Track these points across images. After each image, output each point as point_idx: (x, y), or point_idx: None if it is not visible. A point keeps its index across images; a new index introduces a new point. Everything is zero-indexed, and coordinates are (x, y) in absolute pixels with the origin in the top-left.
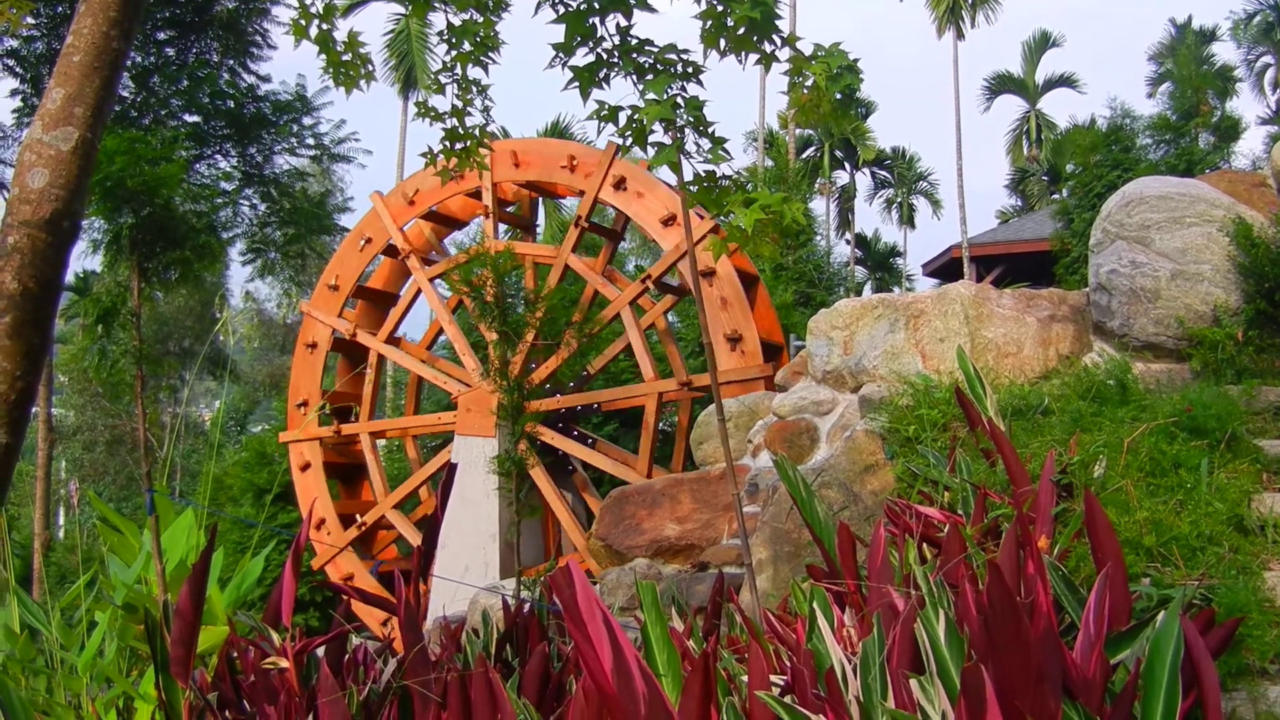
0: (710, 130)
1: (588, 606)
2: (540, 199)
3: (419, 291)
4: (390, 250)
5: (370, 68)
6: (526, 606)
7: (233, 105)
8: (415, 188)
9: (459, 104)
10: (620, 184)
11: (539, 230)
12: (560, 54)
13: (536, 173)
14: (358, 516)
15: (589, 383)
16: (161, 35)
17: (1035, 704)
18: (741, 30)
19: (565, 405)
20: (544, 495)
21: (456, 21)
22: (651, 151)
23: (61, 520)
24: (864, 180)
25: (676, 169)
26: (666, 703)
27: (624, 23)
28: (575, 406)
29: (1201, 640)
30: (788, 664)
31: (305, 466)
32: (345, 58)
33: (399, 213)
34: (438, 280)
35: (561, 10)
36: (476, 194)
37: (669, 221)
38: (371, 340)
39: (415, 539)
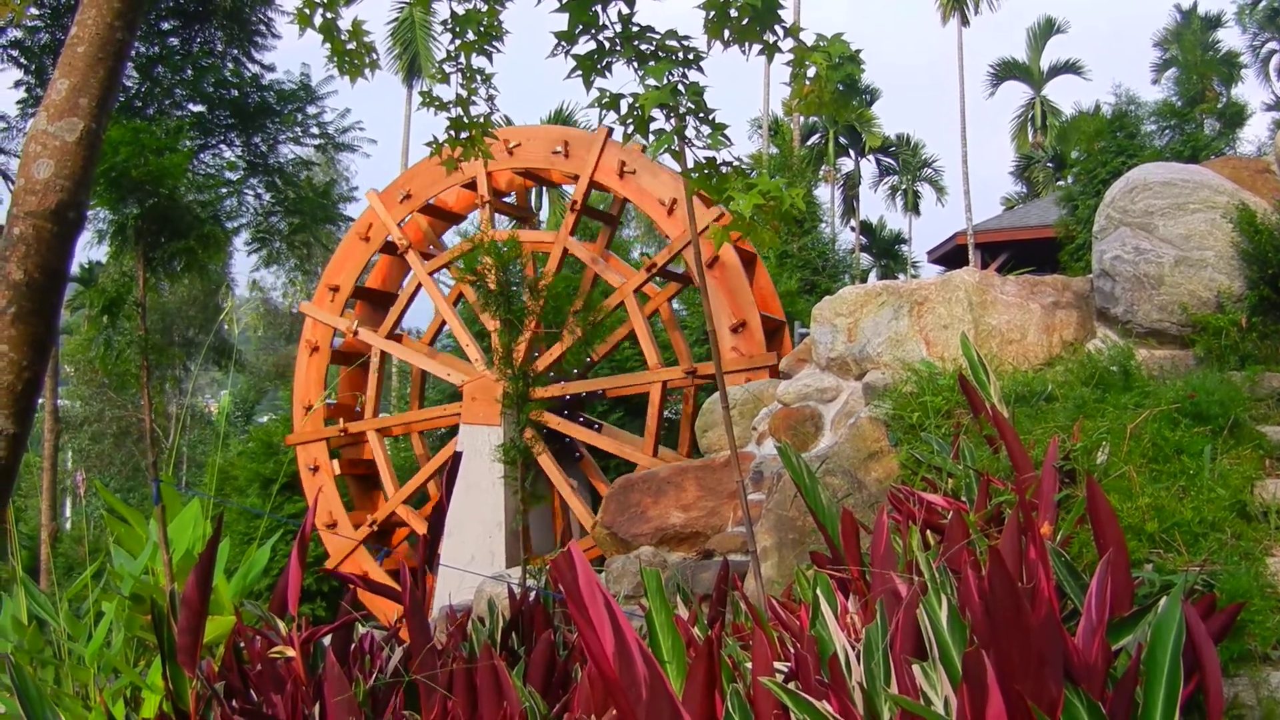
0: (710, 116)
1: (589, 591)
2: (541, 188)
3: (419, 287)
4: (389, 247)
5: (375, 56)
6: (532, 595)
7: (237, 95)
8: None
9: (463, 93)
10: (622, 170)
11: (542, 220)
12: (563, 43)
13: (532, 160)
14: (369, 517)
15: (593, 369)
16: (165, 25)
17: (1036, 689)
18: (745, 21)
19: (570, 392)
20: (552, 481)
21: (460, 10)
22: (653, 138)
23: (68, 511)
24: (869, 167)
25: (677, 155)
26: (668, 685)
27: (626, 10)
28: (580, 394)
29: (1203, 626)
30: (792, 650)
31: (315, 468)
32: (350, 46)
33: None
34: (437, 274)
35: None
36: (471, 185)
37: (672, 208)
38: (373, 337)
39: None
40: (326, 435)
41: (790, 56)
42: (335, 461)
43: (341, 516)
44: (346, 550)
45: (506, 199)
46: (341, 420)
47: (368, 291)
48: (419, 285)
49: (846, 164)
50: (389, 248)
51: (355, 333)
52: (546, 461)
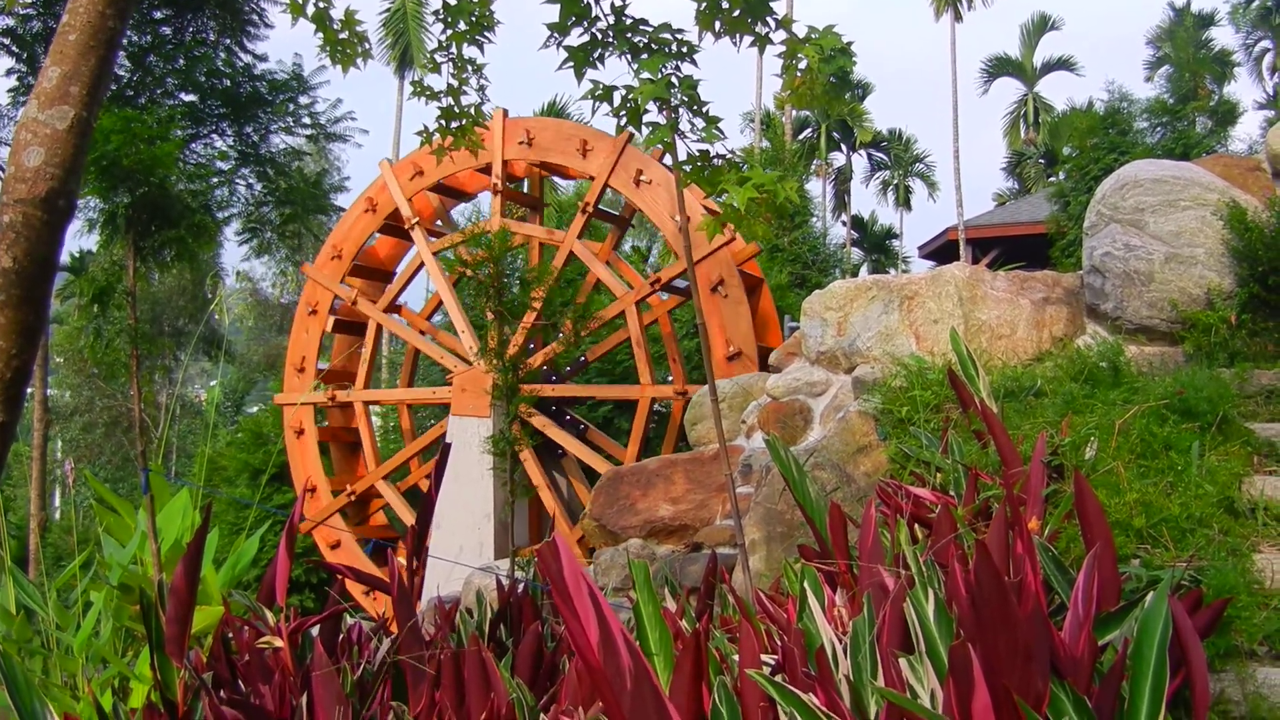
0: (704, 110)
1: (574, 581)
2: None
3: (421, 264)
4: (394, 225)
5: (367, 46)
6: (520, 586)
7: (229, 84)
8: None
9: (455, 83)
10: (638, 179)
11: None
12: (555, 34)
13: (549, 154)
14: (348, 486)
15: (585, 369)
16: (158, 14)
17: (1022, 683)
18: (736, 12)
19: (558, 395)
20: (532, 482)
21: (452, 0)
22: (646, 131)
23: (57, 500)
24: (860, 162)
25: (670, 148)
26: (652, 676)
27: (618, 2)
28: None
29: (1190, 621)
30: (779, 643)
31: (300, 431)
32: (342, 36)
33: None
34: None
35: None
36: (486, 169)
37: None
38: (371, 309)
39: (405, 510)
40: (315, 400)
41: (782, 49)
42: (320, 427)
43: (321, 483)
44: (323, 515)
45: (520, 187)
46: (331, 387)
47: (368, 269)
48: (421, 263)
49: (838, 159)
50: (393, 226)
51: (354, 302)
52: (529, 462)
